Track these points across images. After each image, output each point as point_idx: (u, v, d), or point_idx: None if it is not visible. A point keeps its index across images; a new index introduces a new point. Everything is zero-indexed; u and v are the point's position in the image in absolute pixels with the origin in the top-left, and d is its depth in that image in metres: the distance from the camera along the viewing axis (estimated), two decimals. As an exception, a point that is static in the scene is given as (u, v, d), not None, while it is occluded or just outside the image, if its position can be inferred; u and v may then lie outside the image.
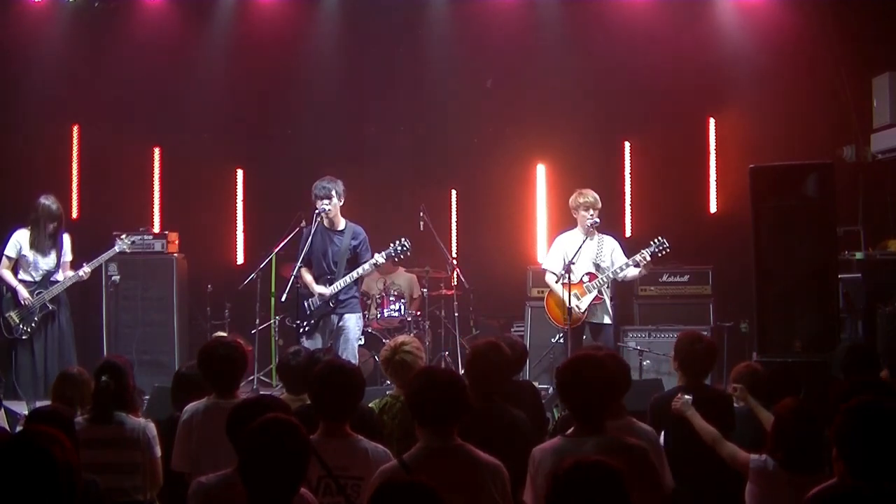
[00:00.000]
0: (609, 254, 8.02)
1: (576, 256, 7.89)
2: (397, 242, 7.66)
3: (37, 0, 10.35)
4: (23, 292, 7.93)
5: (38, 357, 7.98)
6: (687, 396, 4.83)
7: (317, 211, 7.63)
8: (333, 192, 7.63)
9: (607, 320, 8.02)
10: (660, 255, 7.84)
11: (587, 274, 7.96)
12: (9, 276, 8.03)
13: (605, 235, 8.15)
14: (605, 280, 7.93)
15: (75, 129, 10.59)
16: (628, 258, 7.93)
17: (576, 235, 8.06)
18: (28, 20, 10.38)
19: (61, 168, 10.37)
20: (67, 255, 8.20)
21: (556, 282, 7.92)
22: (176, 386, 5.26)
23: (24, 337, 7.94)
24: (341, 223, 7.77)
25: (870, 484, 2.91)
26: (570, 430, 3.80)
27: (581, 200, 7.96)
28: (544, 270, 8.23)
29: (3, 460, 2.60)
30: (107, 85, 10.27)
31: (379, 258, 7.63)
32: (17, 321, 7.94)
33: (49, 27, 10.38)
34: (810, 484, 3.60)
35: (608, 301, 8.02)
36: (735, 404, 5.52)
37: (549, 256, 8.22)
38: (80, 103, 10.35)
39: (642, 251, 7.82)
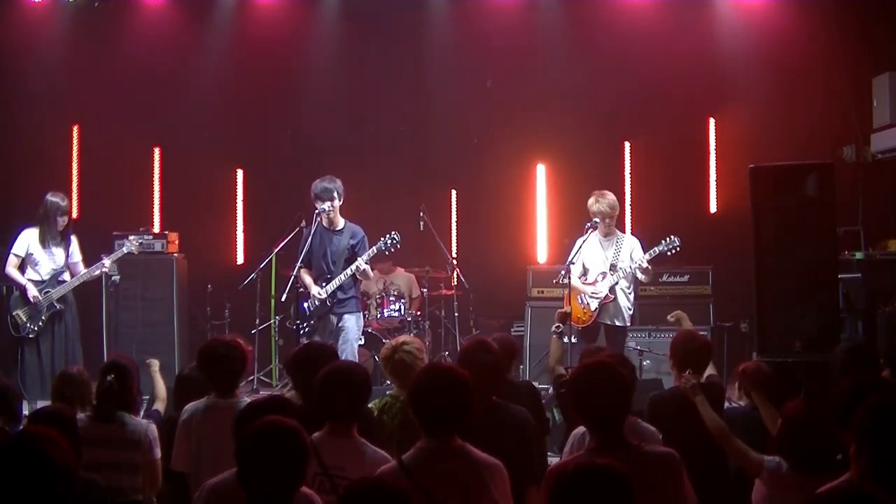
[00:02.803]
0: (628, 253, 7.90)
1: (576, 256, 7.87)
2: (387, 236, 7.61)
3: (37, 0, 10.36)
4: (32, 290, 7.93)
5: (45, 356, 7.98)
6: (693, 381, 4.80)
7: (317, 211, 7.62)
8: (335, 193, 7.62)
9: (619, 322, 7.92)
10: (669, 253, 7.82)
11: (601, 274, 7.93)
12: (17, 274, 8.03)
13: (624, 235, 8.09)
14: (617, 279, 7.85)
15: (75, 129, 10.59)
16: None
17: (591, 237, 7.92)
18: (28, 20, 10.39)
19: (61, 168, 10.38)
20: (75, 256, 8.19)
21: (559, 280, 7.91)
22: (177, 388, 5.26)
23: (31, 336, 7.94)
24: (340, 223, 7.76)
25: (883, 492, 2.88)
26: (586, 447, 3.60)
27: (595, 209, 7.85)
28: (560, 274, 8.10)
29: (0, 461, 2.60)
30: (107, 85, 10.28)
31: (371, 252, 7.60)
32: (25, 319, 7.94)
33: (49, 27, 10.39)
34: (821, 485, 3.59)
35: (625, 302, 7.94)
36: (736, 403, 5.52)
37: (570, 257, 8.12)
38: (80, 103, 10.35)
39: (653, 248, 7.80)
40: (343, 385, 3.98)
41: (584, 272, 7.99)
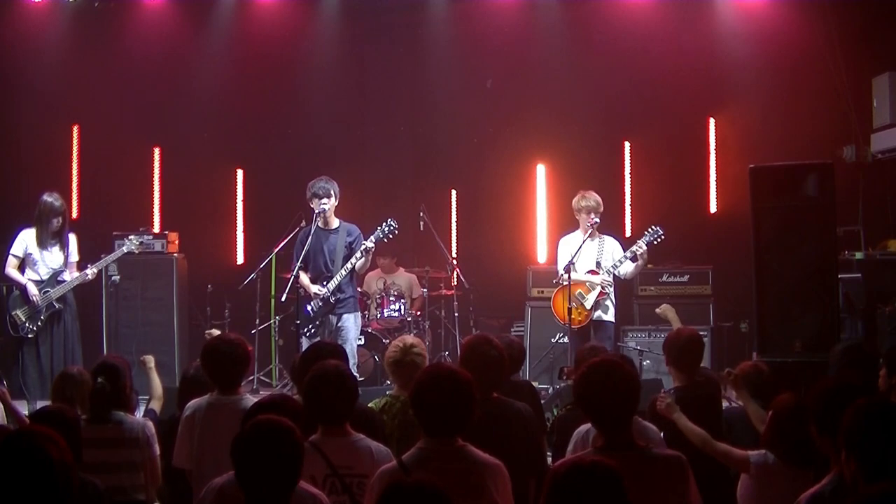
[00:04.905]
0: (610, 253, 8.14)
1: (576, 256, 7.97)
2: (384, 224, 7.61)
3: (37, 0, 10.36)
4: (32, 290, 7.92)
5: (44, 357, 7.97)
6: (669, 400, 4.73)
7: (316, 211, 7.62)
8: (332, 192, 7.63)
9: (608, 317, 8.08)
10: (655, 242, 7.93)
11: (590, 271, 8.06)
12: (16, 274, 8.02)
13: (605, 236, 8.24)
14: (608, 276, 8.00)
15: (75, 129, 10.60)
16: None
17: (577, 236, 8.14)
18: (28, 20, 10.38)
19: (61, 168, 10.38)
20: (74, 256, 8.18)
21: (557, 281, 8.00)
22: (182, 388, 5.24)
23: (29, 335, 7.93)
24: (335, 222, 7.77)
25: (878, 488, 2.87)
26: (592, 445, 3.60)
27: (583, 204, 8.06)
28: (559, 275, 8.19)
29: (-1, 459, 2.60)
30: (107, 85, 10.28)
31: (368, 243, 7.58)
32: (24, 319, 7.94)
33: (49, 27, 10.38)
34: (809, 477, 3.58)
35: (612, 297, 8.09)
36: (735, 403, 5.51)
37: (558, 260, 8.24)
38: (80, 103, 10.35)
39: (638, 242, 7.94)
40: (326, 385, 3.97)
41: (569, 271, 8.06)
